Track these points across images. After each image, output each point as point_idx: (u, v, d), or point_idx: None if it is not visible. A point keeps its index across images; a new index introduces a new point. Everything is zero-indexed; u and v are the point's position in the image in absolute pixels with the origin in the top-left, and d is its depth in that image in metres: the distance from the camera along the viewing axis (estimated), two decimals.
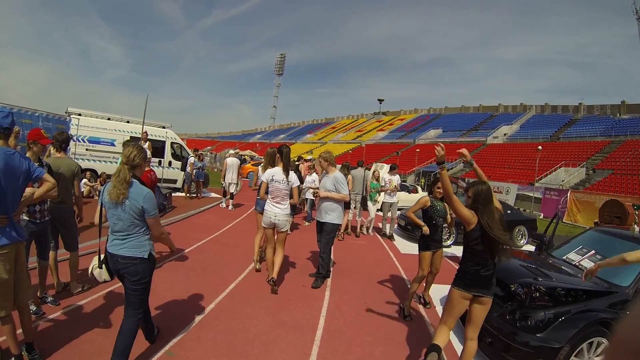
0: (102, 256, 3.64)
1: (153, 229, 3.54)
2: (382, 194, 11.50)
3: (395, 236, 11.66)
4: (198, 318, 4.81)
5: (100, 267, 3.64)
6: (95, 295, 5.17)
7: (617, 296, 4.55)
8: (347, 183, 12.02)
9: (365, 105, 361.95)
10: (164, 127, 17.25)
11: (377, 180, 11.63)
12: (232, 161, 13.97)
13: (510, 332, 4.26)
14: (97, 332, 4.23)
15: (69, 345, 3.86)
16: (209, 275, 6.44)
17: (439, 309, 5.98)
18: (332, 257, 8.45)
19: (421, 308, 6.13)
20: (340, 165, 13.64)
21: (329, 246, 6.64)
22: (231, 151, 17.16)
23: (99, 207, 3.56)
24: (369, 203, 11.52)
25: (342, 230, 10.85)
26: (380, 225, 12.38)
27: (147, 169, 6.53)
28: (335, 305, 5.78)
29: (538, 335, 4.11)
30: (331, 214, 6.51)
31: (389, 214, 11.63)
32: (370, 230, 11.87)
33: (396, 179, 11.51)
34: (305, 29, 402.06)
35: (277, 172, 6.12)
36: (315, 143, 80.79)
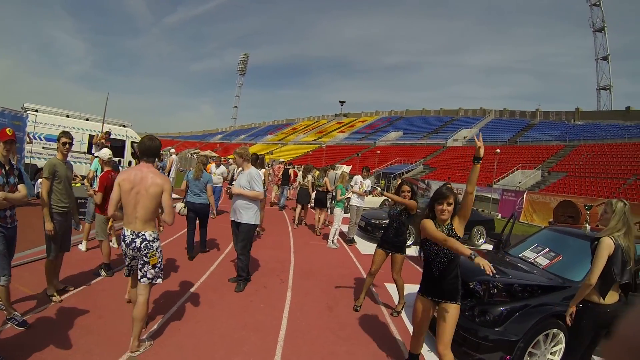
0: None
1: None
2: (354, 196, 10.68)
3: (356, 238, 11.72)
4: (161, 322, 4.71)
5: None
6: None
7: (570, 290, 4.71)
8: (325, 184, 12.00)
9: (326, 107, 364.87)
10: (124, 126, 16.76)
11: (346, 183, 10.87)
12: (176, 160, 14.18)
13: (470, 328, 4.40)
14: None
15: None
16: (171, 278, 6.30)
17: (404, 315, 6.03)
18: (292, 258, 8.53)
19: (383, 308, 6.21)
20: (320, 168, 13.66)
21: (247, 248, 6.35)
22: (172, 149, 17.15)
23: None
24: (337, 209, 10.55)
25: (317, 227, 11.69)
26: (345, 229, 11.74)
27: (107, 169, 6.36)
28: (297, 306, 5.78)
29: (496, 329, 4.27)
30: (246, 214, 6.20)
31: (355, 218, 10.83)
32: (334, 239, 10.32)
33: (367, 183, 11.27)
34: (269, 30, 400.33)
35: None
36: (275, 144, 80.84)
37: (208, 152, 50.90)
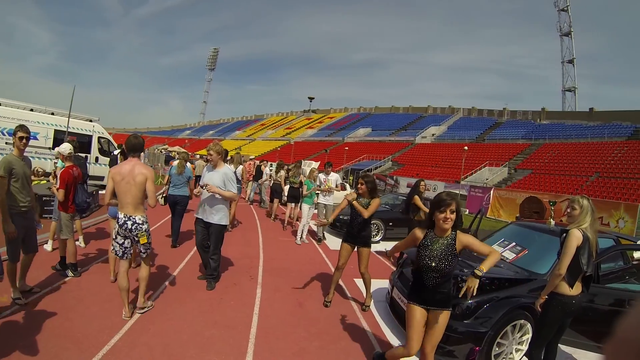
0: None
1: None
2: (321, 194, 10.67)
3: (324, 233, 11.73)
4: (130, 322, 4.59)
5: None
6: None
7: (536, 282, 4.87)
8: (301, 180, 11.92)
9: (295, 103, 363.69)
10: (91, 121, 16.24)
11: (315, 180, 10.70)
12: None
13: None
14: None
15: None
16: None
17: (373, 309, 6.07)
18: (261, 254, 8.48)
19: (353, 303, 6.24)
20: (294, 164, 13.52)
21: (219, 247, 6.23)
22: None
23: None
24: (304, 205, 10.45)
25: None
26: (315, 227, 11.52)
27: (68, 164, 6.11)
28: (268, 303, 5.75)
29: (465, 321, 4.36)
30: (217, 214, 6.03)
31: (324, 217, 10.43)
32: (303, 235, 10.28)
33: (334, 178, 11.05)
34: (240, 25, 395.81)
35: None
36: (244, 140, 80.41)
37: (177, 148, 50.23)
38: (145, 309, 4.89)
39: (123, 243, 4.68)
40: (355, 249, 5.95)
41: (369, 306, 6.03)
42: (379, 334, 5.20)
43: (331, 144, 57.98)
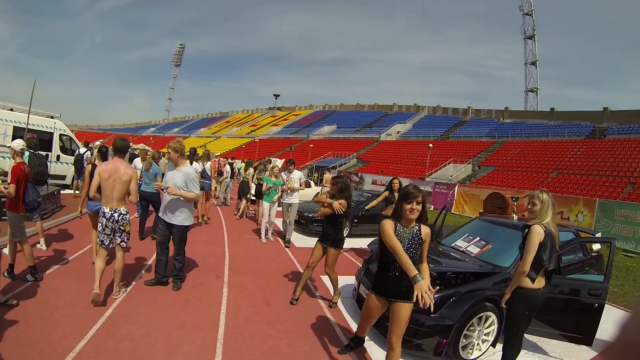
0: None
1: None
2: (284, 193, 10.19)
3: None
4: (95, 327, 4.43)
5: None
6: None
7: (500, 275, 5.02)
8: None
9: (261, 100, 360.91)
10: (52, 117, 15.59)
11: (276, 177, 10.23)
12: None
13: None
14: None
15: None
16: (104, 279, 5.75)
17: (341, 306, 6.11)
18: (227, 253, 8.39)
19: (320, 300, 6.25)
20: (260, 162, 13.35)
21: (183, 248, 6.11)
22: (97, 142, 16.27)
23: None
24: (264, 203, 10.16)
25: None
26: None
27: (19, 160, 5.81)
28: (235, 302, 5.70)
29: (432, 315, 4.41)
30: (180, 215, 5.87)
31: (288, 217, 10.18)
32: (269, 234, 10.31)
33: (297, 176, 10.41)
34: (207, 20, 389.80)
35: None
36: (209, 137, 79.69)
37: (141, 146, 49.14)
38: (121, 295, 5.39)
39: (110, 234, 5.22)
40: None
41: (336, 303, 6.05)
42: (346, 329, 5.22)
43: (296, 142, 58.00)
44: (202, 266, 7.26)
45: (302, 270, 7.40)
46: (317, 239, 6.08)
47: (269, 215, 10.16)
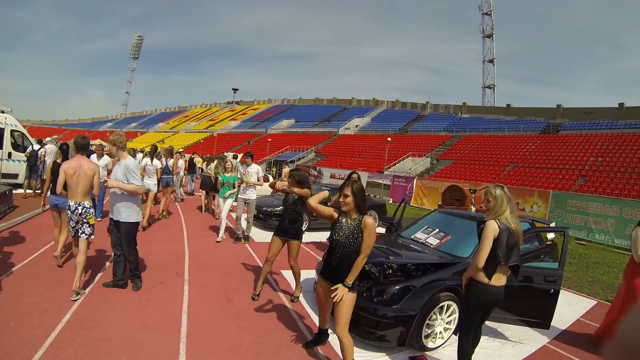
0: None
1: None
2: (243, 188, 9.55)
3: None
4: (54, 333, 4.24)
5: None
6: None
7: (459, 265, 5.13)
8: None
9: (219, 94, 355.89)
10: (2, 112, 14.71)
11: (232, 171, 9.80)
12: (50, 149, 13.01)
13: (369, 307, 4.61)
14: None
15: None
16: (61, 282, 5.66)
17: (303, 300, 6.11)
18: (186, 250, 8.28)
19: (282, 294, 6.24)
20: (218, 156, 13.08)
21: (133, 246, 5.87)
22: (48, 139, 15.67)
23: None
24: (220, 200, 9.83)
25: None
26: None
27: None
28: (196, 300, 5.62)
29: (394, 306, 4.54)
30: (125, 211, 5.66)
31: (243, 214, 9.66)
32: (221, 233, 9.62)
33: (255, 170, 9.73)
34: (166, 11, 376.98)
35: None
36: (167, 132, 78.24)
37: (98, 142, 47.68)
38: (80, 296, 5.30)
39: (75, 226, 5.59)
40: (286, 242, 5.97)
41: (298, 297, 6.06)
42: (309, 323, 5.25)
43: (254, 136, 57.70)
44: (162, 264, 7.11)
45: (261, 264, 7.40)
46: (274, 232, 6.08)
47: (223, 212, 9.62)
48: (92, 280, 6.01)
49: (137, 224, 5.88)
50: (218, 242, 9.39)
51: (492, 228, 3.71)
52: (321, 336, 4.48)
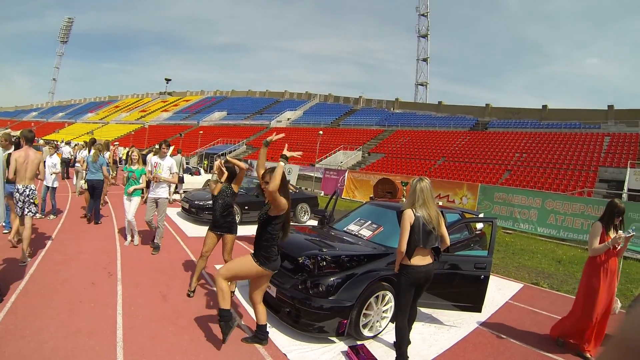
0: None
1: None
2: (154, 184, 7.96)
3: (180, 219, 11.38)
4: None
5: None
6: None
7: (393, 256, 5.16)
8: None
9: (151, 85, 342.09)
10: None
11: (138, 163, 8.30)
12: None
13: (305, 300, 4.65)
14: None
15: None
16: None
17: (239, 295, 6.06)
18: (118, 247, 7.98)
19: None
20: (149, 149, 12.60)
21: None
22: None
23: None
24: (124, 198, 8.29)
25: None
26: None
27: None
28: (130, 300, 5.40)
29: (330, 298, 4.60)
30: None
31: (153, 217, 8.08)
32: (135, 236, 8.40)
33: (169, 164, 8.11)
34: None
35: None
36: (97, 123, 74.52)
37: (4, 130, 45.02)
38: (25, 262, 6.40)
39: (22, 206, 6.50)
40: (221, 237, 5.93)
41: (234, 292, 5.95)
42: (247, 318, 5.23)
43: (186, 128, 56.45)
44: (93, 264, 6.79)
45: (194, 259, 7.31)
46: (208, 227, 6.02)
47: (129, 213, 8.06)
48: (20, 283, 5.62)
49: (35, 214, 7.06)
50: (127, 246, 8.14)
51: (407, 216, 4.17)
52: (260, 333, 4.49)
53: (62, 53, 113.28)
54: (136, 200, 8.16)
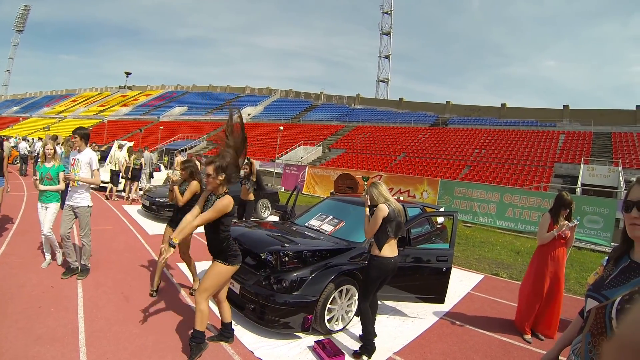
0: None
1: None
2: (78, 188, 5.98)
3: (141, 217, 11.14)
4: None
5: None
6: None
7: (355, 250, 5.34)
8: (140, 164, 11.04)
9: (111, 78, 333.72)
10: None
11: (54, 159, 6.35)
12: None
13: (269, 296, 4.63)
14: None
15: None
16: None
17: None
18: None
19: (180, 288, 6.07)
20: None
21: None
22: None
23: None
24: (38, 206, 6.35)
25: None
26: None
27: None
28: (92, 302, 5.20)
29: (295, 293, 4.59)
30: None
31: (70, 232, 6.06)
32: (55, 257, 6.59)
33: (86, 160, 5.97)
34: None
35: None
36: (53, 117, 71.93)
37: None
38: None
39: None
40: None
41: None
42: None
43: (146, 123, 55.44)
44: (51, 266, 6.46)
45: (157, 258, 7.09)
46: (166, 223, 5.97)
47: (45, 225, 6.19)
48: None
49: None
50: (43, 268, 6.27)
51: (382, 209, 4.35)
52: (225, 331, 4.46)
53: (17, 43, 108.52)
54: (53, 207, 6.30)
